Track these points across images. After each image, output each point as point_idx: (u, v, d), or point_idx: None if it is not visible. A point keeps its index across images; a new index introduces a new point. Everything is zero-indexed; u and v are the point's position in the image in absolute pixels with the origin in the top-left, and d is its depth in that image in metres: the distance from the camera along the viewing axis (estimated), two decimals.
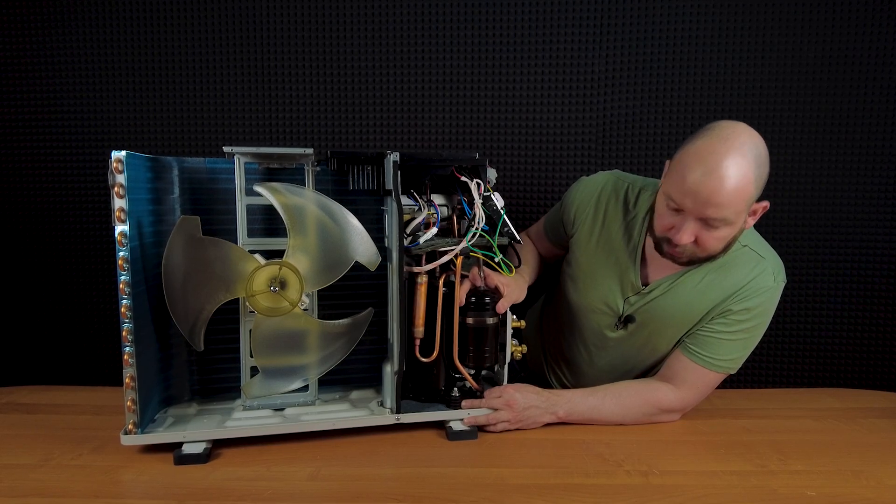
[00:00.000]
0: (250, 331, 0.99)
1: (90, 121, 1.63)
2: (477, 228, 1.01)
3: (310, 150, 0.99)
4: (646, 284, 1.11)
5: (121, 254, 0.88)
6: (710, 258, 1.02)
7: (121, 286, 0.89)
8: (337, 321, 1.03)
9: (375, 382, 1.13)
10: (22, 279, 1.66)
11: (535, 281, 1.28)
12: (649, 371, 1.20)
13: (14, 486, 0.84)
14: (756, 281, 1.04)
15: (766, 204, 1.00)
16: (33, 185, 1.64)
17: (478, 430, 1.02)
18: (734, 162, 0.90)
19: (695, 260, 1.02)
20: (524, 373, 1.48)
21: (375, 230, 1.05)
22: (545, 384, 1.39)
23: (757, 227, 1.58)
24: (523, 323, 1.09)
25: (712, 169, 0.90)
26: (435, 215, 1.03)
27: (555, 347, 1.35)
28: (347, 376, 1.12)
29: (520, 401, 1.04)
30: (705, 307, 1.07)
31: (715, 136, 0.93)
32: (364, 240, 1.00)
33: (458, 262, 1.01)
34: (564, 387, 1.34)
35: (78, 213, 1.65)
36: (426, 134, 1.65)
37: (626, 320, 1.13)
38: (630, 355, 1.18)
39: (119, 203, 0.88)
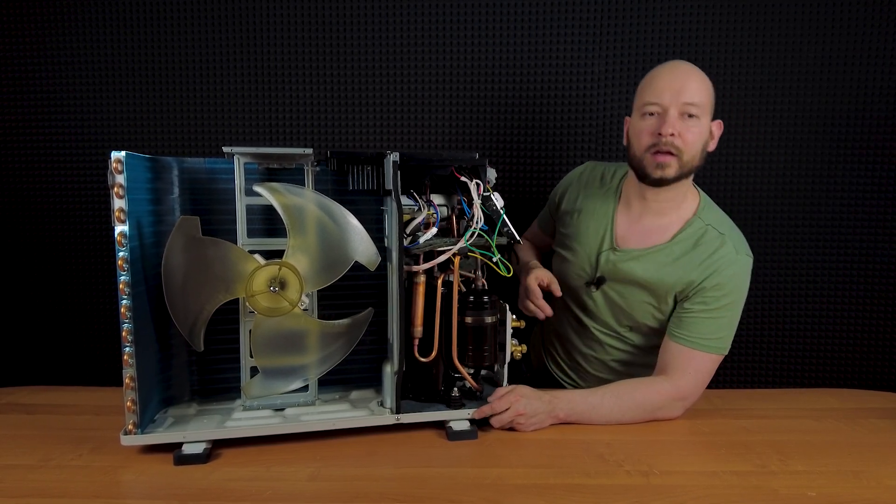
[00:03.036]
0: (250, 331, 0.99)
1: (90, 121, 1.63)
2: (475, 228, 1.01)
3: (309, 150, 0.99)
4: (617, 250, 1.20)
5: (121, 254, 0.88)
6: (688, 173, 1.13)
7: (121, 286, 0.89)
8: (337, 321, 1.03)
9: (375, 382, 1.13)
10: (22, 279, 1.66)
11: None
12: (638, 349, 1.24)
13: (14, 487, 0.84)
14: (719, 253, 1.12)
15: (720, 122, 1.16)
16: (33, 185, 1.64)
17: (478, 429, 1.02)
18: (688, 65, 1.13)
19: (679, 170, 1.11)
20: (529, 373, 1.48)
21: (375, 230, 1.05)
22: (547, 375, 1.40)
23: (757, 225, 1.58)
24: (523, 323, 1.09)
25: (676, 65, 1.13)
26: (434, 215, 1.03)
27: (548, 327, 1.40)
28: (347, 376, 1.12)
29: (528, 413, 1.03)
30: (673, 281, 1.14)
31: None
32: (364, 240, 1.00)
33: (457, 261, 1.01)
34: (559, 366, 1.38)
35: (78, 214, 1.65)
36: (426, 134, 1.65)
37: (598, 281, 1.21)
38: (611, 325, 1.23)
39: (119, 203, 0.88)
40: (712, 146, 1.16)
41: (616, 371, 1.28)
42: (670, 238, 1.16)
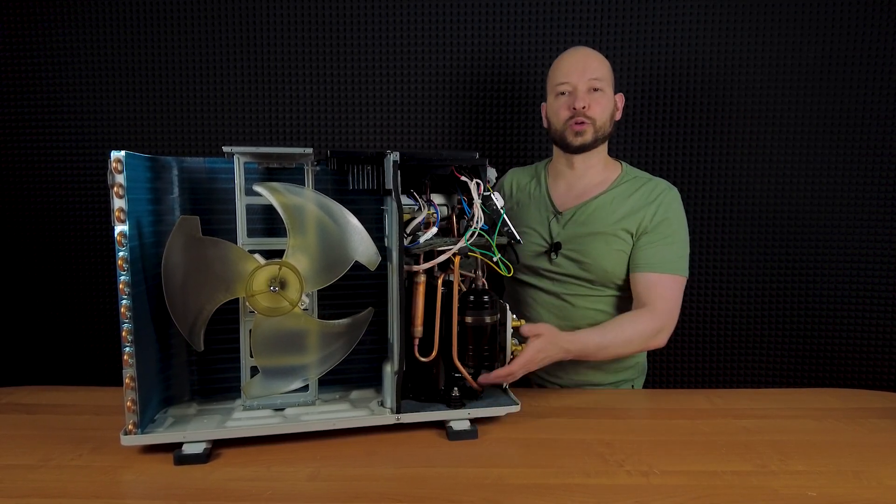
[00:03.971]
0: (250, 331, 0.99)
1: (90, 121, 1.63)
2: (476, 228, 1.01)
3: (309, 150, 0.99)
4: (561, 214, 1.34)
5: (120, 254, 0.88)
6: (604, 137, 1.31)
7: (120, 286, 0.89)
8: (337, 321, 1.03)
9: (375, 382, 1.13)
10: (22, 279, 1.66)
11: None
12: (613, 306, 1.33)
13: (14, 487, 0.84)
14: (656, 190, 1.31)
15: (622, 94, 1.37)
16: (33, 185, 1.64)
17: (478, 429, 1.02)
18: (585, 49, 1.31)
19: (595, 135, 1.29)
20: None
21: (375, 230, 1.05)
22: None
23: (758, 224, 1.58)
24: (523, 322, 1.09)
25: (577, 49, 1.32)
26: (435, 215, 1.03)
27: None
28: (347, 376, 1.12)
29: (539, 361, 1.09)
30: (620, 218, 1.29)
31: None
32: (364, 239, 1.00)
33: (457, 261, 1.01)
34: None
35: (78, 213, 1.65)
36: (426, 134, 1.66)
37: (555, 247, 1.32)
38: (583, 284, 1.32)
39: (118, 203, 0.88)
40: (618, 115, 1.36)
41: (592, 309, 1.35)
42: (604, 190, 1.33)
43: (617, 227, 1.28)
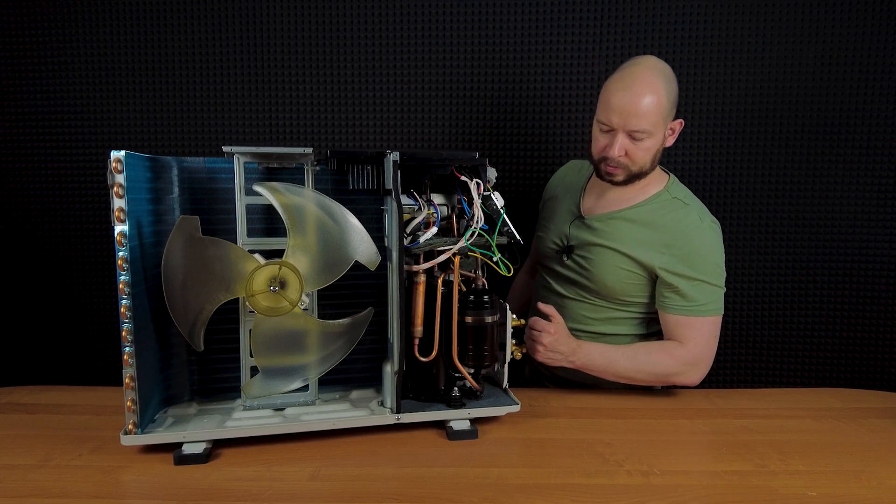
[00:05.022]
0: (250, 331, 0.99)
1: (90, 121, 1.63)
2: (476, 228, 1.01)
3: (309, 150, 0.99)
4: (583, 219, 1.28)
5: (120, 254, 0.88)
6: (641, 174, 1.20)
7: (120, 286, 0.89)
8: (337, 321, 1.03)
9: (375, 382, 1.13)
10: (22, 279, 1.66)
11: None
12: (611, 320, 1.28)
13: (14, 487, 0.84)
14: (685, 222, 1.19)
15: (681, 121, 1.22)
16: (33, 185, 1.64)
17: (478, 429, 1.02)
18: (645, 78, 1.12)
19: (630, 176, 1.19)
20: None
21: (375, 230, 1.05)
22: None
23: (757, 224, 1.58)
24: (523, 322, 1.09)
25: (628, 85, 1.13)
26: (435, 215, 1.03)
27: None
28: (347, 376, 1.12)
29: (548, 348, 1.14)
30: (637, 237, 1.21)
31: (629, 63, 1.17)
32: (364, 239, 1.00)
33: (457, 261, 1.01)
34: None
35: (78, 213, 1.65)
36: (426, 134, 1.66)
37: (568, 249, 1.28)
38: (583, 292, 1.29)
39: (118, 203, 0.88)
40: (670, 142, 1.22)
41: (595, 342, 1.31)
42: (633, 205, 1.24)
43: (630, 247, 1.20)
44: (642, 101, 1.12)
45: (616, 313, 1.27)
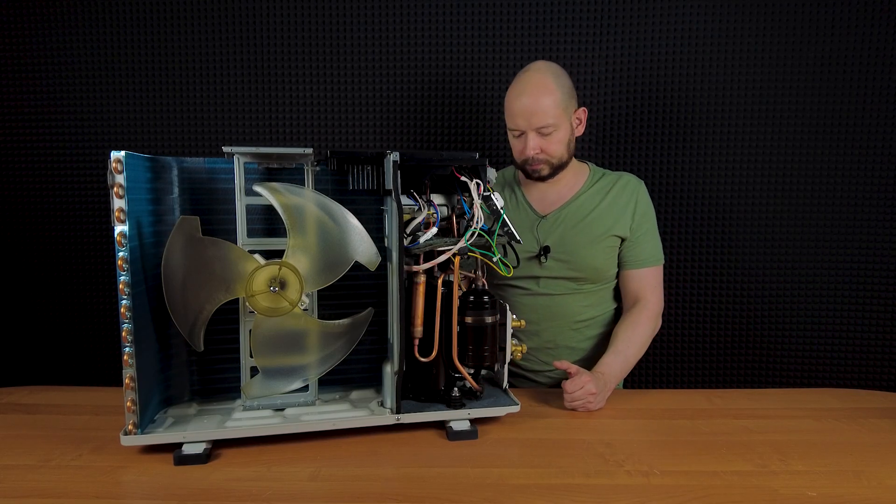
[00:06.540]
0: (250, 331, 0.99)
1: (90, 121, 1.63)
2: (476, 228, 1.01)
3: (309, 150, 0.99)
4: (545, 217, 1.35)
5: (120, 254, 0.88)
6: (562, 165, 1.30)
7: (120, 286, 0.89)
8: (337, 321, 1.03)
9: (375, 382, 1.13)
10: (22, 279, 1.66)
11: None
12: (595, 301, 1.36)
13: (14, 487, 0.84)
14: (623, 181, 1.35)
15: (584, 108, 1.32)
16: (33, 185, 1.64)
17: (478, 429, 1.02)
18: (537, 80, 1.24)
19: (553, 168, 1.29)
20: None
21: (375, 230, 1.05)
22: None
23: (758, 224, 1.58)
24: (523, 323, 1.09)
25: (523, 90, 1.24)
26: (434, 215, 1.03)
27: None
28: (347, 376, 1.12)
29: (597, 392, 1.13)
30: (603, 215, 1.31)
31: (521, 71, 1.29)
32: (364, 240, 1.00)
33: (457, 261, 1.01)
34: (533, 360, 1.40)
35: (78, 213, 1.65)
36: (426, 134, 1.66)
37: (544, 250, 1.32)
38: (570, 284, 1.34)
39: (118, 203, 0.88)
40: (581, 130, 1.33)
41: (579, 330, 1.37)
42: (579, 191, 1.34)
43: (603, 226, 1.31)
44: (540, 100, 1.22)
45: (601, 293, 1.36)
